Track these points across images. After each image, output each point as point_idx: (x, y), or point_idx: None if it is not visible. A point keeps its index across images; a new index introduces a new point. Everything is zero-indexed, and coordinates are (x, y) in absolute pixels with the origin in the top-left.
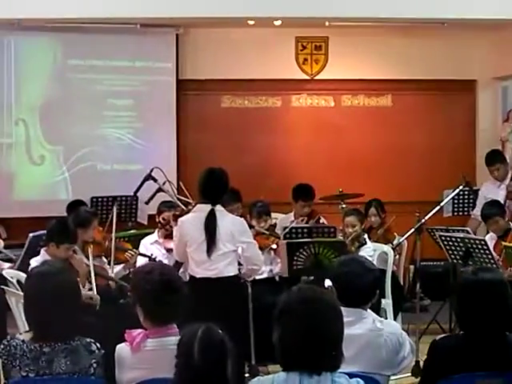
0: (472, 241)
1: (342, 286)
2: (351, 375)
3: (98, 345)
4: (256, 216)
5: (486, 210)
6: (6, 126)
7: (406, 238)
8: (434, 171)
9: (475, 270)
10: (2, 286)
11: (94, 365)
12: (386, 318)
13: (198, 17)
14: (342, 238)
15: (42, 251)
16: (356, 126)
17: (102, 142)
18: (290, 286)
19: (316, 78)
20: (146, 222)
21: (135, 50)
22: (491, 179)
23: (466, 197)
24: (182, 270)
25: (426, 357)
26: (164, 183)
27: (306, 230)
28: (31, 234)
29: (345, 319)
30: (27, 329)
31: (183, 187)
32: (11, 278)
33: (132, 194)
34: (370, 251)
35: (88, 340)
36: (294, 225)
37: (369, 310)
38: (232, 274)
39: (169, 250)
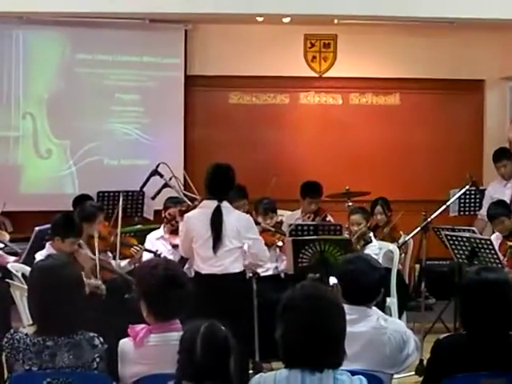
0: (478, 240)
1: (348, 283)
2: (354, 373)
3: (101, 339)
4: (262, 213)
5: (492, 209)
6: (13, 120)
7: (411, 237)
8: (440, 170)
9: (479, 269)
10: (7, 280)
11: (97, 359)
12: (391, 317)
13: (207, 13)
14: (347, 235)
15: (47, 245)
16: (364, 124)
17: (109, 136)
18: (295, 283)
19: (324, 75)
20: (152, 218)
21: (144, 46)
22: (498, 178)
23: (473, 196)
24: (187, 265)
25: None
26: (170, 179)
27: (311, 228)
28: (37, 228)
29: (349, 317)
30: (31, 322)
31: (190, 183)
32: (16, 271)
33: (138, 189)
34: (376, 249)
35: (91, 334)
36: (298, 222)
37: (374, 308)
38: (238, 270)
39: (174, 246)
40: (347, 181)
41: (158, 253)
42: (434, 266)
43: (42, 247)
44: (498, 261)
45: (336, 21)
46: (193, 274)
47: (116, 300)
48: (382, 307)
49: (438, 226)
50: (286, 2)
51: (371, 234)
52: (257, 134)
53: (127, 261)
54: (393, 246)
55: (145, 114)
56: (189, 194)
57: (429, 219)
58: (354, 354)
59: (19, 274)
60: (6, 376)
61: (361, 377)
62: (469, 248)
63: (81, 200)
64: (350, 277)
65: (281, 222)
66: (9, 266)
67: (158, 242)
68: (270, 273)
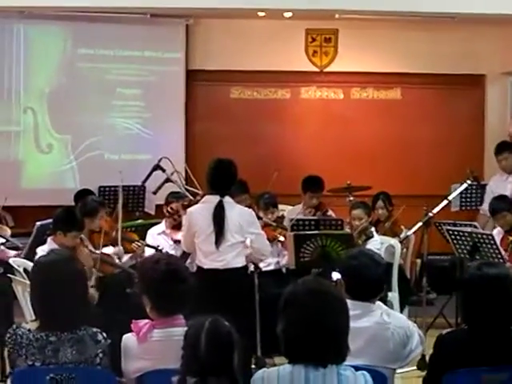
0: (479, 235)
1: (351, 278)
2: (357, 368)
3: (104, 335)
4: (263, 207)
5: (494, 204)
6: (14, 114)
7: (413, 232)
8: (441, 165)
9: (480, 264)
10: (9, 275)
11: (100, 354)
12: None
13: (209, 7)
14: (348, 230)
15: (49, 240)
16: (365, 119)
17: (111, 131)
18: (297, 278)
19: (325, 70)
20: (153, 212)
21: (145, 40)
22: (499, 172)
23: (474, 191)
24: (188, 260)
25: (431, 351)
26: (172, 173)
27: (313, 222)
28: (38, 223)
29: (352, 312)
30: (33, 318)
31: (192, 177)
32: (18, 266)
33: (138, 183)
34: (377, 244)
35: (94, 330)
36: (299, 216)
37: (378, 302)
38: (240, 265)
39: (176, 242)
40: (348, 175)
41: (160, 248)
42: (435, 260)
43: (44, 242)
44: (499, 256)
45: (337, 15)
46: (195, 268)
47: (118, 294)
48: (384, 302)
49: (440, 220)
50: None
51: (373, 229)
52: (258, 128)
53: (129, 256)
54: (394, 241)
55: (146, 109)
56: (191, 188)
57: (430, 214)
58: (357, 349)
59: (21, 269)
60: (7, 371)
61: (364, 372)
62: (470, 243)
63: (82, 195)
64: (353, 272)
65: (282, 217)
66: (10, 260)
67: (159, 237)
68: (271, 268)
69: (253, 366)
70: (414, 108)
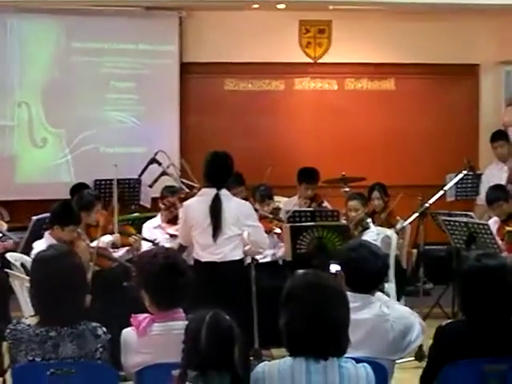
0: (475, 225)
1: (351, 271)
2: (358, 360)
3: (104, 329)
4: (259, 200)
5: (490, 193)
6: (8, 109)
7: (409, 223)
8: (436, 155)
9: (479, 255)
10: (6, 270)
11: (100, 349)
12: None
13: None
14: (345, 221)
15: (46, 234)
16: (359, 110)
17: (105, 124)
18: (294, 269)
19: (319, 61)
20: (149, 205)
21: (138, 33)
22: (495, 161)
23: (470, 181)
24: (185, 254)
25: (429, 341)
26: (168, 166)
27: (309, 214)
28: (34, 217)
29: (352, 304)
30: (31, 312)
31: (188, 170)
32: (15, 261)
33: (134, 177)
34: (374, 235)
35: (94, 324)
36: (296, 208)
37: (378, 293)
38: (237, 258)
39: (171, 236)
40: (343, 166)
41: (157, 242)
42: (431, 250)
43: (40, 236)
44: (495, 245)
45: (331, 7)
46: (191, 262)
47: (115, 288)
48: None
49: (436, 211)
50: None
51: (369, 220)
52: (252, 120)
53: (125, 249)
54: (390, 232)
55: (140, 102)
56: (186, 181)
57: (426, 205)
58: (357, 341)
59: (18, 264)
60: (6, 365)
61: (365, 364)
62: (466, 233)
63: (78, 189)
64: (353, 264)
65: (278, 209)
66: (7, 255)
67: (155, 231)
68: (268, 259)
69: (250, 358)
70: (408, 98)
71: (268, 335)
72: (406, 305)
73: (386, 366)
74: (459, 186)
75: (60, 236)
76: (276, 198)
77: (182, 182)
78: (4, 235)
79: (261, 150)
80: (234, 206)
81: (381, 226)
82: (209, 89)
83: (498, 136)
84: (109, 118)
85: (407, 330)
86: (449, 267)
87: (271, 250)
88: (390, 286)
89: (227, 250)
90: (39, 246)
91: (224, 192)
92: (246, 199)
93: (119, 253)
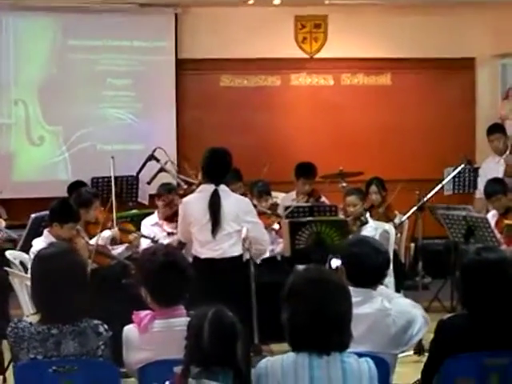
0: (474, 219)
1: (352, 266)
2: (360, 355)
3: (105, 326)
4: (257, 195)
5: (489, 187)
6: (5, 107)
7: (407, 217)
8: (433, 149)
9: (478, 249)
10: (6, 268)
11: (102, 346)
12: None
13: None
14: (343, 216)
15: (45, 232)
16: (355, 105)
17: (102, 122)
18: (292, 265)
19: (315, 56)
20: (146, 202)
21: (134, 30)
22: (492, 155)
23: (467, 175)
24: (183, 251)
25: (429, 335)
26: (166, 163)
27: (307, 209)
28: (33, 215)
29: (353, 299)
30: (31, 310)
31: (186, 168)
32: (14, 259)
33: (131, 173)
34: (372, 230)
35: (95, 322)
36: (295, 204)
37: (381, 287)
38: (236, 254)
39: (169, 233)
40: (340, 161)
41: (156, 239)
42: (429, 244)
43: (39, 234)
44: (494, 239)
45: (326, 1)
46: (190, 259)
47: (113, 285)
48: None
49: (433, 205)
50: None
51: (367, 215)
52: (248, 116)
53: (124, 246)
54: (389, 226)
55: (137, 99)
56: (184, 177)
57: (425, 199)
58: (359, 336)
59: (17, 262)
60: (6, 364)
61: (368, 359)
62: (465, 227)
63: (75, 186)
64: (354, 259)
65: (276, 205)
66: (6, 253)
67: (153, 229)
68: (266, 255)
69: (250, 354)
70: (405, 93)
71: (267, 331)
72: None
73: (388, 361)
74: (457, 179)
75: (59, 233)
76: (273, 194)
77: (179, 178)
78: (1, 231)
79: (257, 146)
80: (233, 202)
81: (379, 220)
82: (205, 85)
83: (495, 129)
84: (106, 115)
85: (409, 324)
86: (447, 261)
87: (270, 245)
88: (389, 281)
89: (226, 247)
90: (38, 243)
91: (223, 188)
92: (244, 195)
93: (118, 250)
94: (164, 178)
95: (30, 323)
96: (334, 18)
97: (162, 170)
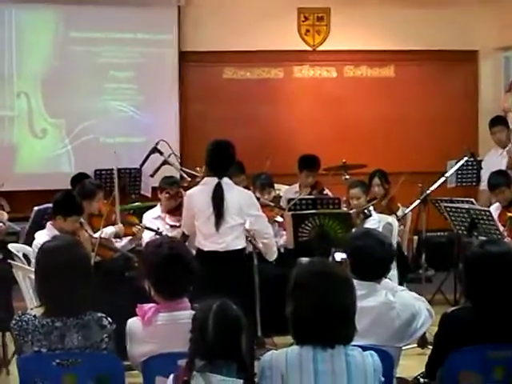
0: (477, 212)
1: (357, 259)
2: (364, 348)
3: (109, 319)
4: (259, 188)
5: (493, 179)
6: (7, 99)
7: (411, 210)
8: (435, 142)
9: (483, 242)
10: (9, 261)
11: (106, 339)
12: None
13: None
14: (346, 209)
15: (49, 225)
16: (358, 97)
17: (104, 114)
18: (296, 257)
19: (318, 48)
20: (149, 195)
21: (137, 23)
22: (494, 147)
23: (470, 168)
24: (186, 244)
25: (432, 328)
26: (169, 156)
27: (310, 202)
28: (36, 208)
29: (358, 292)
30: (34, 302)
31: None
32: (17, 251)
33: (134, 166)
34: (376, 223)
35: (99, 315)
36: (299, 196)
37: (385, 280)
38: (240, 247)
39: (172, 226)
40: (343, 153)
41: (160, 230)
42: (432, 237)
43: (42, 227)
44: (497, 231)
45: None
46: (193, 252)
47: (116, 278)
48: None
49: (437, 197)
50: None
51: (371, 208)
52: (251, 108)
53: (128, 239)
54: (392, 219)
55: (139, 91)
56: (187, 170)
57: (428, 191)
58: (363, 329)
59: (20, 254)
60: (9, 356)
61: (372, 352)
62: (468, 219)
63: (79, 179)
64: (359, 252)
65: (278, 197)
66: (9, 246)
67: (156, 222)
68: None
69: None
70: (408, 85)
71: (270, 323)
72: None
73: (392, 354)
74: (460, 172)
75: (62, 226)
76: (276, 186)
77: (183, 171)
78: (5, 225)
79: (260, 138)
80: (237, 195)
81: (382, 213)
82: (207, 77)
83: (497, 121)
84: (108, 107)
85: (413, 317)
86: (450, 254)
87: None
88: (392, 274)
89: (230, 240)
90: (41, 236)
91: (226, 181)
92: (247, 188)
93: (122, 242)
94: (167, 170)
95: (34, 316)
96: (337, 10)
97: (165, 162)
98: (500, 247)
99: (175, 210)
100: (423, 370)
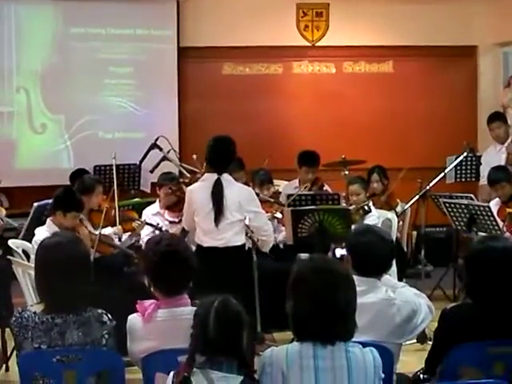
0: (476, 207)
1: (359, 255)
2: (365, 344)
3: (109, 316)
4: (258, 184)
5: (493, 174)
6: (7, 95)
7: (410, 206)
8: (434, 137)
9: (484, 238)
10: (9, 257)
11: (106, 336)
12: None
13: None
14: (345, 204)
15: (48, 220)
16: (357, 93)
17: (104, 110)
18: (295, 253)
19: (317, 44)
20: (149, 190)
21: (136, 18)
22: (493, 143)
23: (469, 163)
24: (185, 239)
25: (432, 324)
26: (168, 151)
27: (309, 198)
28: (35, 204)
29: (358, 288)
30: (34, 298)
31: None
32: (16, 247)
33: (133, 162)
34: (375, 219)
35: (99, 311)
36: (298, 192)
37: (386, 276)
38: (239, 243)
39: (170, 223)
40: (343, 149)
41: (160, 226)
42: (431, 232)
43: (41, 223)
44: (496, 227)
45: None
46: (193, 247)
47: (116, 274)
48: None
49: (436, 193)
50: None
51: (370, 204)
52: (251, 104)
53: (127, 235)
54: (391, 215)
55: (139, 87)
56: (186, 166)
57: (427, 187)
58: (363, 325)
59: (19, 250)
60: (8, 353)
61: (372, 348)
62: (467, 215)
63: (78, 174)
64: (361, 249)
65: (278, 193)
66: (9, 242)
67: (155, 218)
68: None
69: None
70: (407, 81)
71: (270, 319)
72: None
73: (392, 350)
74: (459, 168)
75: (62, 222)
76: (275, 182)
77: (182, 166)
78: (3, 221)
79: (259, 134)
80: (236, 191)
81: (381, 208)
82: (207, 73)
83: (495, 117)
84: (108, 103)
85: (413, 313)
86: (448, 249)
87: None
88: (392, 269)
89: (229, 236)
90: (41, 232)
91: (226, 177)
92: (246, 184)
93: (122, 238)
94: (166, 166)
95: (34, 312)
96: (336, 6)
97: (164, 158)
98: (502, 243)
99: (174, 206)
100: (423, 365)
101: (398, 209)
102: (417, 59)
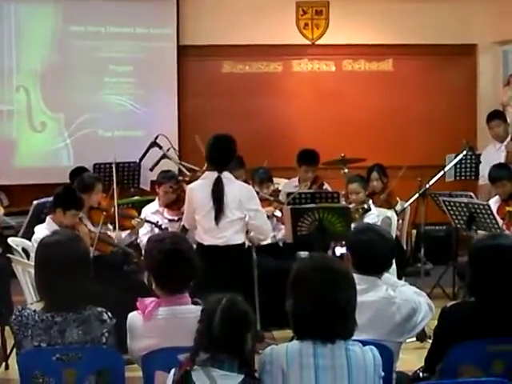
0: (476, 205)
1: (359, 254)
2: (364, 343)
3: (109, 314)
4: (258, 182)
5: (494, 172)
6: (6, 93)
7: (409, 204)
8: (434, 135)
9: (488, 236)
10: (8, 255)
11: (106, 334)
12: None
13: None
14: (345, 203)
15: (48, 218)
16: (357, 91)
17: (103, 108)
18: (294, 251)
19: (317, 42)
20: (148, 188)
21: (136, 17)
22: (492, 142)
23: (469, 162)
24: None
25: (431, 322)
26: (168, 150)
27: (309, 196)
28: (35, 202)
29: (358, 287)
30: (33, 297)
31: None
32: (16, 245)
33: (132, 160)
34: (375, 217)
35: (99, 309)
36: (299, 191)
37: (386, 275)
38: (239, 242)
39: (170, 221)
40: (342, 147)
41: (159, 224)
42: (430, 231)
43: (41, 221)
44: (496, 225)
45: None
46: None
47: (115, 272)
48: None
49: (435, 191)
50: None
51: (370, 202)
52: (250, 102)
53: (127, 232)
54: (391, 213)
55: (138, 85)
56: (186, 164)
57: (427, 186)
58: (363, 324)
59: (19, 249)
60: (8, 351)
61: (372, 347)
62: (467, 213)
63: (77, 172)
64: (362, 247)
65: (277, 191)
66: (9, 240)
67: (154, 216)
68: (268, 242)
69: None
70: (406, 79)
71: (269, 317)
72: None
73: (392, 349)
74: (458, 166)
75: (61, 220)
76: (275, 180)
77: (182, 165)
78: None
79: (259, 133)
80: (236, 189)
81: (380, 206)
82: (206, 71)
83: (494, 116)
84: (107, 101)
85: (413, 312)
86: (448, 247)
87: (271, 232)
88: (391, 268)
89: (230, 234)
90: (41, 230)
91: (226, 175)
92: (246, 182)
93: (122, 235)
94: (165, 164)
95: (34, 311)
96: (336, 4)
97: (164, 156)
98: (506, 240)
99: (173, 204)
100: (423, 363)
101: (398, 207)
102: (416, 57)
